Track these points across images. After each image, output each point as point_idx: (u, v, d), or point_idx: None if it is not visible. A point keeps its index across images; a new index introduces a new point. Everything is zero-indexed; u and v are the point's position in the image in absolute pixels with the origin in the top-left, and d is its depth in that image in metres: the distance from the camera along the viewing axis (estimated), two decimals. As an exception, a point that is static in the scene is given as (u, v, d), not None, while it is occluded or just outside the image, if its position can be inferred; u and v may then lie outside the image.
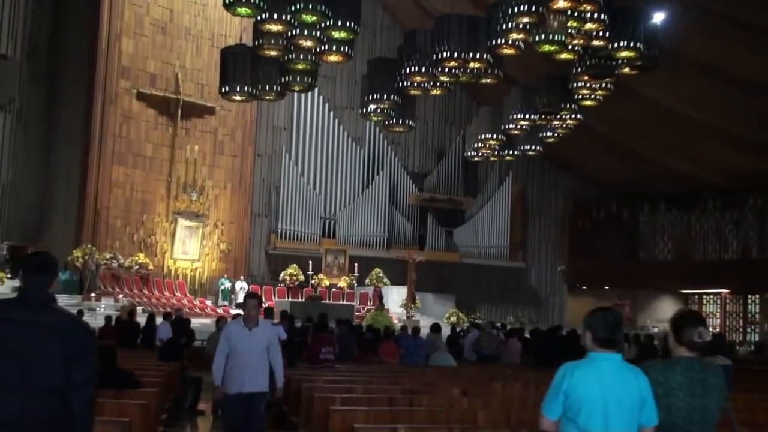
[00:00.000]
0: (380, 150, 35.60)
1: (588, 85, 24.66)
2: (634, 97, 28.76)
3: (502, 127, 27.77)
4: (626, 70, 22.91)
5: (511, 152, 30.17)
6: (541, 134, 28.80)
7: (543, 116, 26.91)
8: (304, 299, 27.55)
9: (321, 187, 34.33)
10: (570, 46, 21.24)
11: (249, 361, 7.61)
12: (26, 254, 4.62)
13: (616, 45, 21.41)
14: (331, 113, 34.89)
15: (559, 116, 27.13)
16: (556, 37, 20.91)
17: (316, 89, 30.56)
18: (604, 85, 24.90)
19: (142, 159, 29.65)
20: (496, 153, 30.12)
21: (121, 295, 25.13)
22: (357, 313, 27.16)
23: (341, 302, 28.78)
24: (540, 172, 37.82)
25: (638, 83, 26.83)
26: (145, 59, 29.74)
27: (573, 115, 27.09)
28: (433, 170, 36.59)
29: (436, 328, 15.13)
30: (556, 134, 28.85)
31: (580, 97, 25.47)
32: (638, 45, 21.42)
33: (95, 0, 28.73)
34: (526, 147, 29.61)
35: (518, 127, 27.29)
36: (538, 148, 29.50)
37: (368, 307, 29.02)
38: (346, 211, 34.29)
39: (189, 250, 29.93)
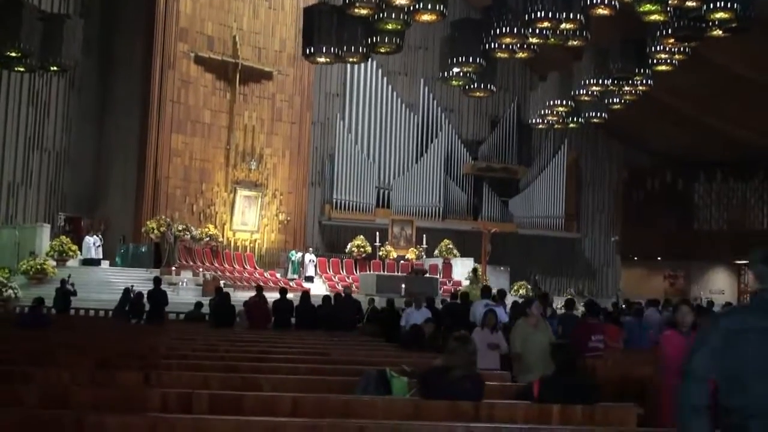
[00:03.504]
0: (434, 117, 34.49)
1: (668, 49, 23.69)
2: (699, 61, 27.70)
3: (572, 93, 26.76)
4: (718, 32, 21.88)
5: (575, 120, 29.22)
6: (607, 101, 27.82)
7: (616, 82, 25.90)
8: (407, 273, 26.37)
9: (375, 155, 33.19)
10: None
11: None
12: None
13: (711, 5, 20.40)
14: (385, 79, 33.70)
15: (630, 82, 26.15)
16: (659, -4, 19.84)
17: (368, 54, 29.38)
18: (682, 49, 23.90)
19: (201, 126, 28.38)
20: (561, 120, 29.18)
21: (201, 269, 23.97)
22: (443, 287, 26.11)
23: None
24: (593, 140, 36.85)
25: (707, 47, 25.65)
26: (202, 21, 28.38)
27: (645, 81, 26.06)
28: (487, 138, 35.52)
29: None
30: (623, 101, 27.91)
31: (656, 61, 24.45)
32: (734, 5, 20.41)
33: (151, -41, 27.32)
34: (591, 114, 28.68)
35: (589, 93, 26.30)
36: (603, 115, 28.60)
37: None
38: (400, 180, 33.18)
39: (248, 220, 28.79)
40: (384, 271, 28.10)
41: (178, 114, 27.68)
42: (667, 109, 32.51)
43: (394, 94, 33.87)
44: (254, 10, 29.51)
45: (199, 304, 14.56)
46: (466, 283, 28.42)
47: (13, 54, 21.32)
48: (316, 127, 32.16)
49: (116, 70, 28.39)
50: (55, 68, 22.90)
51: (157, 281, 15.54)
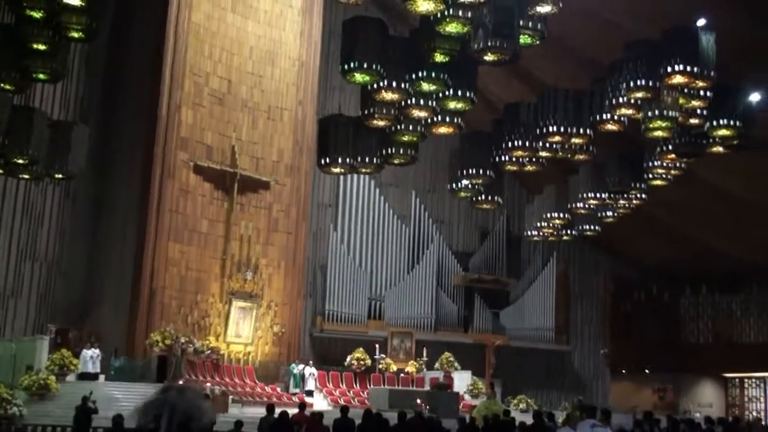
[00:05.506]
0: (425, 228, 34.50)
1: (665, 164, 24.22)
2: (690, 176, 28.20)
3: (569, 206, 27.06)
4: (718, 148, 22.41)
5: (569, 232, 29.47)
6: (601, 214, 28.13)
7: (612, 195, 26.28)
8: (429, 388, 25.63)
9: (367, 266, 32.91)
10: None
11: None
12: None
13: (714, 123, 20.95)
14: (377, 190, 33.75)
15: (625, 195, 26.55)
16: (670, 114, 20.29)
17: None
18: (679, 164, 24.47)
19: (198, 235, 27.81)
20: (556, 233, 29.39)
21: (208, 383, 23.01)
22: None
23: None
24: (581, 252, 37.08)
25: (698, 162, 26.00)
26: (202, 131, 28.20)
27: (640, 195, 26.46)
28: (478, 250, 35.52)
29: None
30: (617, 214, 28.27)
31: (653, 176, 24.91)
32: (737, 123, 20.99)
33: (153, 70, 27.26)
34: (585, 227, 28.96)
35: (586, 206, 26.61)
36: (596, 228, 28.90)
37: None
38: (393, 291, 32.84)
39: (242, 332, 27.98)
40: (384, 385, 27.38)
41: (176, 223, 27.15)
42: (654, 222, 32.92)
43: (386, 205, 33.88)
44: (253, 121, 29.48)
45: (239, 423, 13.77)
46: (468, 397, 27.83)
47: (20, 161, 20.79)
48: (309, 237, 31.82)
49: (113, 179, 27.85)
50: (60, 176, 22.40)
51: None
